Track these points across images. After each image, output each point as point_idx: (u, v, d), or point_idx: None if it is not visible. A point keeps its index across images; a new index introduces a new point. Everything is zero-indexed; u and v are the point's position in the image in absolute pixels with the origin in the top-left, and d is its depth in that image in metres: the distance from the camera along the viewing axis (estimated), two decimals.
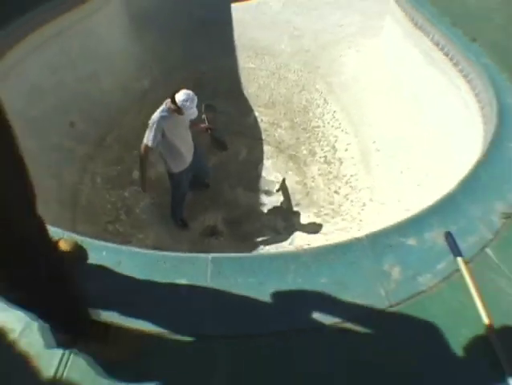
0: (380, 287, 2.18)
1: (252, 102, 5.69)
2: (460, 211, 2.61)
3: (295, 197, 5.02)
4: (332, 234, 4.46)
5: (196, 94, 5.42)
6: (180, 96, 3.61)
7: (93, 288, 2.07)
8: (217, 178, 5.18)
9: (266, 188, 5.16)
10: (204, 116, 4.44)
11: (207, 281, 2.19)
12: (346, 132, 5.08)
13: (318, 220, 4.70)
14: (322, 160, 5.17)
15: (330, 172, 5.01)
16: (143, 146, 3.86)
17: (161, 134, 3.80)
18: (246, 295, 2.13)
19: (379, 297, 2.13)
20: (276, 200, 5.06)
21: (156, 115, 3.77)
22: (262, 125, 5.62)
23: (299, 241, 4.55)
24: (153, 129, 3.75)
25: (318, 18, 6.02)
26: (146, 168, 4.08)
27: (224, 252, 4.45)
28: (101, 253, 2.34)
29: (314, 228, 4.62)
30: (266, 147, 5.51)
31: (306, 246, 4.41)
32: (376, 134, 4.74)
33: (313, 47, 5.78)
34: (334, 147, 5.12)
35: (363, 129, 4.92)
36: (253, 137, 5.61)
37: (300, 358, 1.94)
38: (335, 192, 4.83)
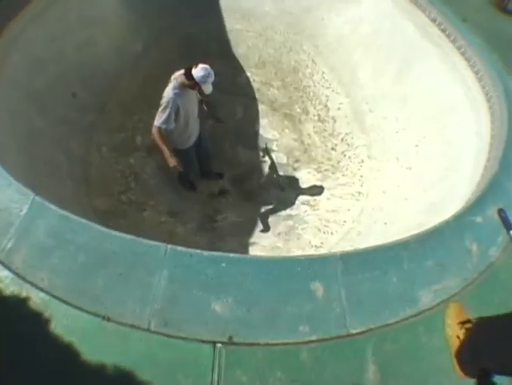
0: (468, 262, 2.58)
1: (243, 62, 5.72)
2: (505, 189, 3.01)
3: (294, 154, 5.30)
4: (335, 189, 4.84)
5: (187, 55, 5.51)
6: (198, 72, 3.52)
7: None
8: (216, 137, 5.23)
9: (264, 145, 5.38)
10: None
11: (338, 280, 2.40)
12: (337, 92, 5.28)
13: (319, 176, 5.05)
14: (315, 118, 5.42)
15: (325, 130, 5.28)
16: (156, 129, 3.72)
17: (175, 112, 3.73)
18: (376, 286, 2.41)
19: (468, 272, 2.54)
20: (276, 157, 5.30)
21: (168, 94, 3.66)
22: (255, 85, 5.73)
23: (304, 196, 4.89)
24: (168, 109, 3.64)
25: None
26: (169, 146, 3.87)
27: (233, 211, 4.93)
28: (220, 265, 2.36)
29: (316, 184, 4.95)
30: (260, 106, 5.67)
31: (312, 201, 4.82)
32: (368, 95, 4.96)
33: (295, 10, 5.75)
34: (326, 106, 5.33)
35: (354, 90, 5.12)
36: (247, 96, 5.72)
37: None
38: (332, 148, 5.14)
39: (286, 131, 5.45)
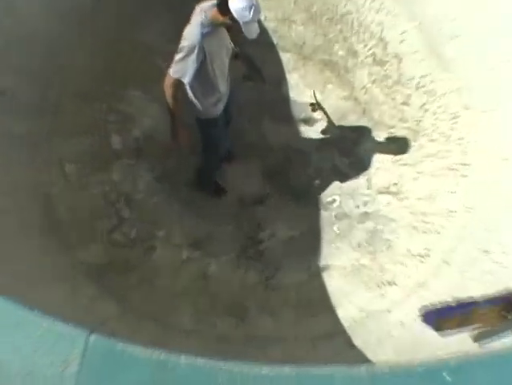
0: None
1: None
2: None
3: (349, 119, 5.13)
4: (423, 164, 4.72)
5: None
6: (237, 2, 3.25)
7: None
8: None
9: (303, 114, 5.17)
10: None
11: None
12: (394, 15, 5.01)
13: (393, 147, 4.89)
14: (369, 60, 5.17)
15: (387, 76, 5.06)
16: (169, 82, 3.62)
17: (200, 63, 3.53)
18: None
19: None
20: (321, 127, 5.11)
21: (193, 34, 3.44)
22: (269, 24, 5.39)
23: (380, 180, 4.80)
24: (192, 56, 3.46)
25: None
26: (181, 110, 3.85)
27: (281, 221, 4.88)
28: None
29: (391, 159, 4.84)
30: (283, 56, 5.37)
31: (393, 187, 4.72)
32: (444, 12, 4.69)
33: None
34: (382, 39, 5.08)
35: (420, 7, 4.86)
36: (260, 43, 5.04)
37: None
38: (404, 103, 4.94)
39: (330, 86, 5.23)
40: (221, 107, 4.10)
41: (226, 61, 3.88)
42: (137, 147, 4.80)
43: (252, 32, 3.38)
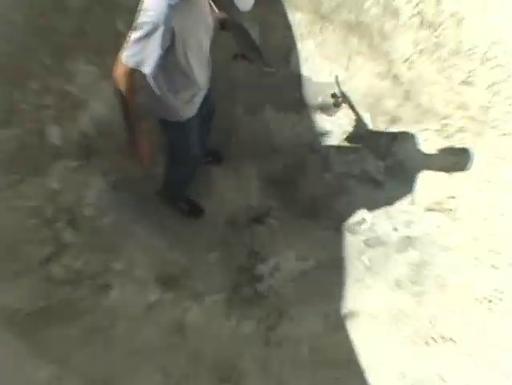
0: None
1: None
2: None
3: (385, 106, 4.76)
4: (492, 168, 4.25)
5: None
6: None
7: None
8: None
9: (319, 99, 4.84)
10: None
11: None
12: None
13: (448, 145, 4.45)
14: (415, 21, 4.70)
15: (440, 45, 4.59)
16: (122, 71, 3.08)
17: (168, 45, 3.01)
18: None
19: None
20: (346, 117, 4.78)
21: (155, 5, 2.84)
22: None
23: (428, 193, 4.53)
24: (155, 36, 2.89)
25: None
26: (139, 112, 3.33)
27: (288, 248, 4.81)
28: None
29: (446, 163, 4.41)
30: (293, 17, 4.99)
31: (446, 202, 4.33)
32: None
33: None
34: None
35: None
36: (261, 4, 4.64)
37: None
38: (464, 82, 4.47)
39: (359, 60, 4.82)
40: (197, 102, 3.64)
41: (206, 42, 3.39)
42: (86, 143, 4.29)
43: (246, 2, 3.01)
